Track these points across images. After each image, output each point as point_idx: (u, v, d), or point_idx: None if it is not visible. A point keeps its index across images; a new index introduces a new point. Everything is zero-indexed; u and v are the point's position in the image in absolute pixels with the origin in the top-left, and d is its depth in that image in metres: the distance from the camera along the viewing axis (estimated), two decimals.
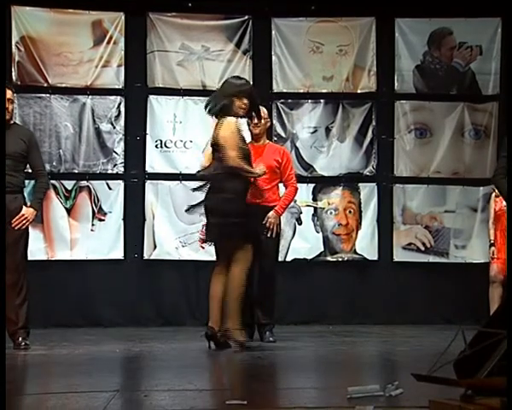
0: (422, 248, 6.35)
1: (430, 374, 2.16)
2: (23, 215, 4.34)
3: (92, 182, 6.06)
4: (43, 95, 5.99)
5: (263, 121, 4.80)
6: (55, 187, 5.91)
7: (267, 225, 4.68)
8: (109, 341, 4.87)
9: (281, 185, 4.92)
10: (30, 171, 4.55)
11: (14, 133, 4.40)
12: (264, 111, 4.90)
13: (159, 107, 6.18)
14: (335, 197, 6.33)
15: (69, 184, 6.04)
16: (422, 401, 2.34)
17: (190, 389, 2.95)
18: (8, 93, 4.35)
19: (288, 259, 6.19)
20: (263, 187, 4.72)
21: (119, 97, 6.09)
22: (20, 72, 5.96)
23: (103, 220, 6.04)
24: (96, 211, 6.04)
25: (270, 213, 4.71)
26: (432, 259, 6.33)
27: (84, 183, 6.04)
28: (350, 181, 6.33)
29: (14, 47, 5.91)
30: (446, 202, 6.38)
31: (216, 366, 3.90)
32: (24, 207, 4.39)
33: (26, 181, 4.60)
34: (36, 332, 4.66)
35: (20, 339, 4.34)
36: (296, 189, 4.88)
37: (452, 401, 2.10)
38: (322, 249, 6.27)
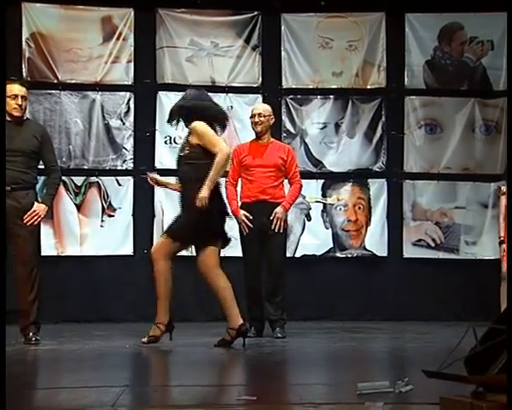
0: (432, 245, 6.32)
1: (441, 371, 2.15)
2: (35, 211, 4.36)
3: (102, 178, 6.08)
4: (53, 91, 6.01)
5: (263, 119, 4.80)
6: (64, 183, 5.93)
7: (274, 220, 4.69)
8: (119, 336, 4.89)
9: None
10: (42, 167, 4.56)
11: (27, 130, 4.42)
12: (264, 108, 4.91)
13: (168, 103, 6.16)
14: (345, 193, 6.32)
15: (79, 179, 6.07)
16: (433, 397, 2.33)
17: (200, 384, 2.95)
18: (22, 90, 4.37)
19: (298, 255, 6.18)
20: (268, 185, 4.73)
21: (128, 93, 6.11)
22: (31, 68, 5.98)
23: (113, 216, 6.06)
24: (105, 207, 6.05)
25: (278, 209, 4.73)
26: (442, 255, 6.30)
27: (93, 179, 6.07)
28: (359, 177, 6.32)
29: (24, 43, 5.94)
30: (457, 198, 6.35)
31: (225, 361, 3.90)
32: (35, 203, 4.41)
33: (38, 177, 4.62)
34: (46, 327, 4.68)
35: (31, 334, 4.37)
36: (301, 186, 4.90)
37: (463, 397, 2.09)
38: (332, 246, 6.26)
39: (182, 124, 4.39)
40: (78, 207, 6.04)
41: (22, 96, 4.37)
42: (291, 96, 6.29)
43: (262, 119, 4.81)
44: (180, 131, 6.15)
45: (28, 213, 4.35)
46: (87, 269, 6.01)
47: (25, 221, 4.34)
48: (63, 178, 5.83)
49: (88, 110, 6.07)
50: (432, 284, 6.20)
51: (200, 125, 4.10)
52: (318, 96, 6.31)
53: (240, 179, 4.86)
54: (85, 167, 6.08)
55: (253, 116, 4.83)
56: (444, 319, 5.96)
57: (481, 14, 6.35)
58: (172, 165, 6.10)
